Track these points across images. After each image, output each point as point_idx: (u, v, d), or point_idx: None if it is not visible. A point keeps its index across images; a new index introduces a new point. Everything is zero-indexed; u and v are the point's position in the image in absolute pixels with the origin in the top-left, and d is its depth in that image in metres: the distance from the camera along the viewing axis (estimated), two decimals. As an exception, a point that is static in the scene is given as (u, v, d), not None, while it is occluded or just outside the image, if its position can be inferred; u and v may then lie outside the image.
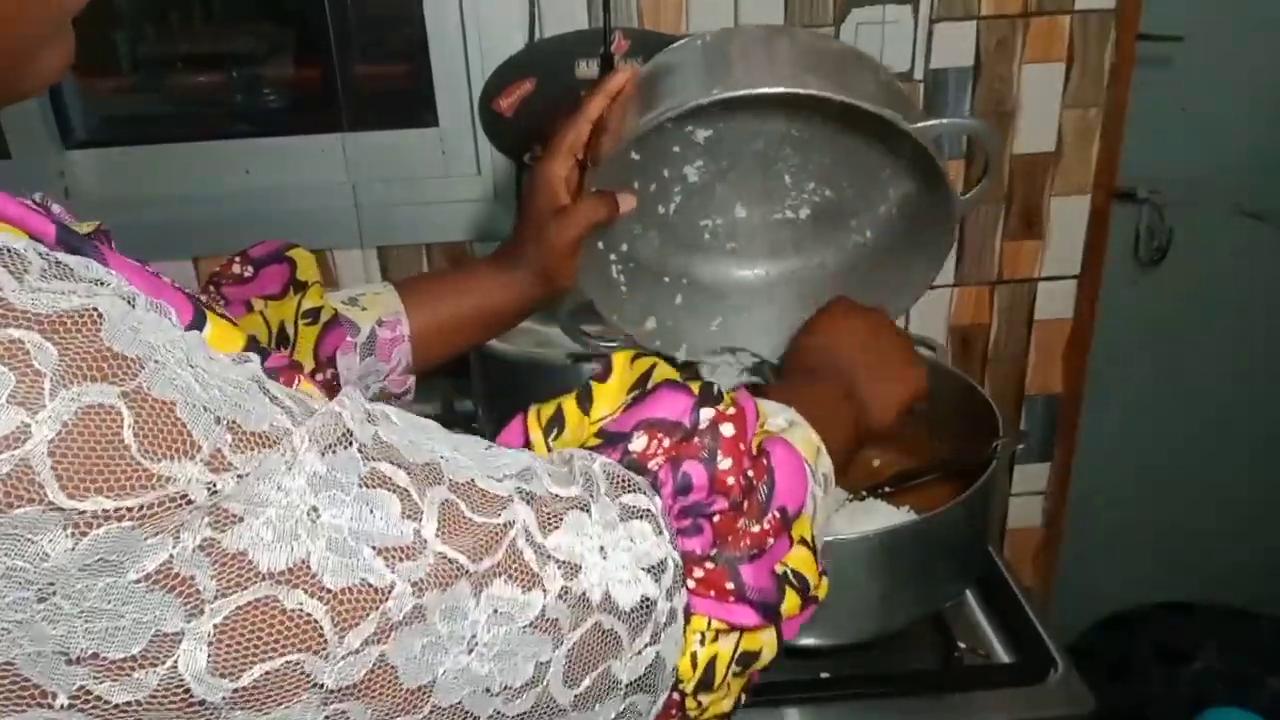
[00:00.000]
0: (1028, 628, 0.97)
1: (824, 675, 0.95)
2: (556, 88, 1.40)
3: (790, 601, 0.52)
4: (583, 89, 1.41)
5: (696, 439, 0.50)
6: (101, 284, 0.35)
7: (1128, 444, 1.80)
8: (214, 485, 0.34)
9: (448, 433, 0.46)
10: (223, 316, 0.46)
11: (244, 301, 0.77)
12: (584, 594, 0.43)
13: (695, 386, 0.53)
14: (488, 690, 0.41)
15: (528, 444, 0.54)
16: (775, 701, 0.91)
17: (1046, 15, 1.39)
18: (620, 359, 0.56)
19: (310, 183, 1.48)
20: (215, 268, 0.80)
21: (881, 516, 0.95)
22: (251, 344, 0.43)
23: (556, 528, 0.43)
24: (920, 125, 0.71)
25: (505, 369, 1.16)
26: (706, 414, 0.51)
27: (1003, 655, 0.97)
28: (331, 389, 0.74)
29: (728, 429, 0.51)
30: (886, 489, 1.00)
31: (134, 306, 0.35)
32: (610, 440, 0.51)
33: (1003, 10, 1.38)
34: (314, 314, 0.78)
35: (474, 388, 1.26)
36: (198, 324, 0.41)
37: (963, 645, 0.94)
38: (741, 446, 0.51)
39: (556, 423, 0.54)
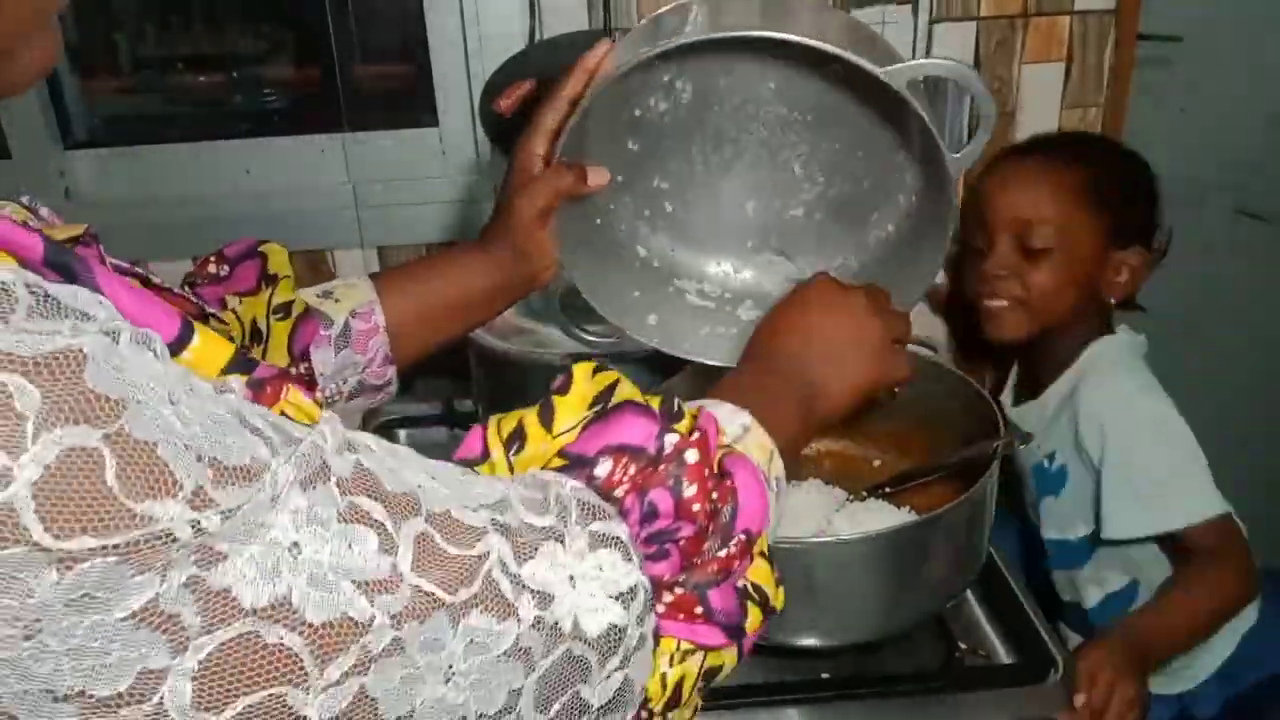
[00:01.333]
0: (1028, 628, 0.97)
1: (824, 675, 0.95)
2: (557, 88, 1.41)
3: (753, 617, 0.53)
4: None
5: (662, 466, 0.50)
6: (87, 318, 0.35)
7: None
8: (198, 523, 0.35)
9: (424, 460, 0.46)
10: (211, 314, 0.46)
11: (220, 300, 0.77)
12: (556, 623, 0.44)
13: (655, 403, 0.53)
14: (463, 718, 0.42)
15: (486, 455, 0.54)
16: (775, 702, 0.91)
17: (1046, 15, 1.39)
18: (580, 371, 0.56)
19: (310, 183, 1.48)
20: (179, 263, 0.80)
21: (882, 517, 0.95)
22: (239, 356, 0.43)
23: (531, 558, 0.44)
24: (892, 69, 0.68)
25: (505, 369, 1.16)
26: (671, 440, 0.51)
27: (1003, 655, 0.97)
28: (307, 385, 0.74)
29: (692, 455, 0.51)
30: (887, 489, 1.00)
31: (118, 342, 0.35)
32: (575, 463, 0.51)
33: (1002, 10, 1.39)
34: (285, 309, 0.78)
35: (474, 388, 1.26)
36: (184, 338, 0.41)
37: (963, 645, 0.94)
38: (706, 472, 0.51)
39: (517, 437, 0.54)
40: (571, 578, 0.45)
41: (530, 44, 1.38)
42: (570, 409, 0.54)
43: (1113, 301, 1.21)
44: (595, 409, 0.54)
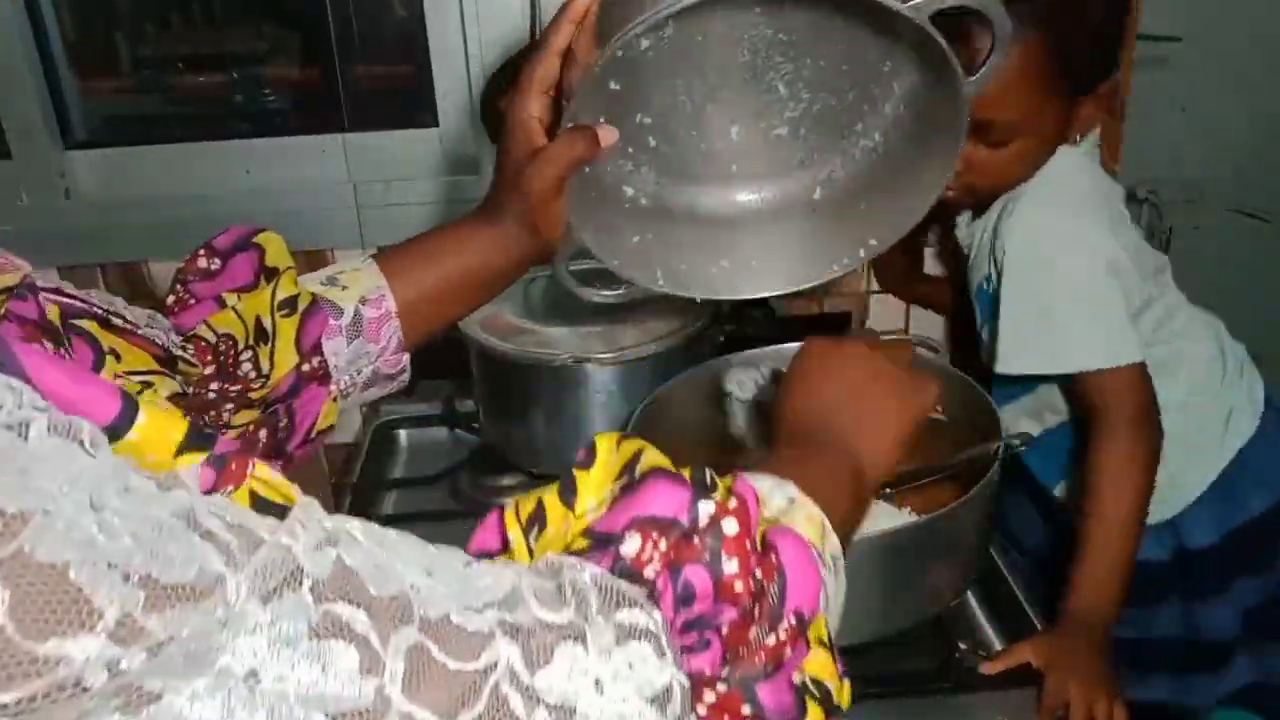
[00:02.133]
0: (1028, 628, 0.97)
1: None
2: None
3: (813, 715, 0.46)
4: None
5: (697, 539, 0.44)
6: None
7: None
8: (117, 663, 0.29)
9: (423, 546, 0.40)
10: (180, 356, 0.39)
11: (215, 297, 0.71)
12: None
13: (688, 474, 0.47)
14: None
15: (505, 545, 0.48)
16: (775, 701, 0.91)
17: (1046, 16, 1.39)
18: (604, 442, 0.50)
19: (311, 183, 1.48)
20: (180, 263, 0.73)
21: (884, 518, 0.95)
22: (194, 431, 0.36)
23: (547, 663, 0.38)
24: (913, 3, 0.64)
25: (505, 369, 1.16)
26: (706, 508, 0.45)
27: (1002, 655, 0.97)
28: (321, 378, 0.71)
29: (730, 525, 0.45)
30: (888, 490, 1.00)
31: (27, 437, 0.30)
32: (600, 542, 0.44)
33: (1002, 11, 1.38)
34: (291, 303, 0.71)
35: (475, 388, 1.26)
36: (126, 419, 0.35)
37: (963, 645, 0.94)
38: (747, 544, 0.45)
39: (537, 520, 0.47)
40: (598, 681, 0.39)
41: (530, 44, 1.38)
42: (594, 484, 0.48)
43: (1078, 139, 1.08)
44: (622, 481, 0.47)
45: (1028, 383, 1.13)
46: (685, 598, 0.43)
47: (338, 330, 0.73)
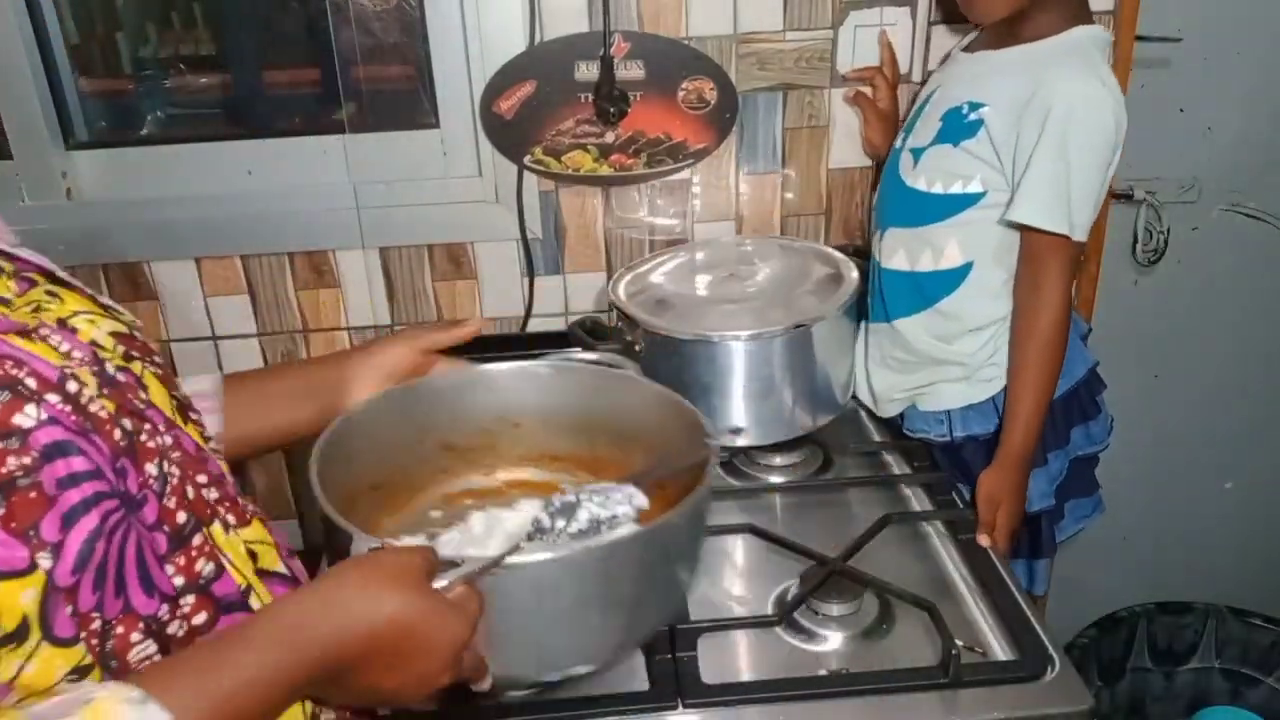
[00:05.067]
0: (1025, 626, 0.98)
1: (822, 673, 0.95)
2: (556, 90, 1.41)
3: None
4: (582, 91, 1.43)
5: None
6: None
7: (1125, 444, 1.80)
8: None
9: None
10: None
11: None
12: None
13: None
14: None
15: None
16: (773, 699, 0.91)
17: (1045, 16, 1.39)
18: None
19: (311, 184, 1.48)
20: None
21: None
22: None
23: None
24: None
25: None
26: None
27: (1000, 653, 0.97)
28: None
29: None
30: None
31: None
32: None
33: (1001, 11, 1.39)
34: None
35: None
36: None
37: (960, 643, 0.94)
38: None
39: None
40: None
41: (530, 44, 1.39)
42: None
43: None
44: None
45: (949, 214, 1.21)
46: None
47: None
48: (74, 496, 0.53)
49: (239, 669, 0.56)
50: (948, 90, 1.24)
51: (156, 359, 0.69)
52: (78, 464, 0.53)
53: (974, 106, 1.18)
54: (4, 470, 0.51)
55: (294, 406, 0.91)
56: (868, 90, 1.43)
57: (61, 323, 0.61)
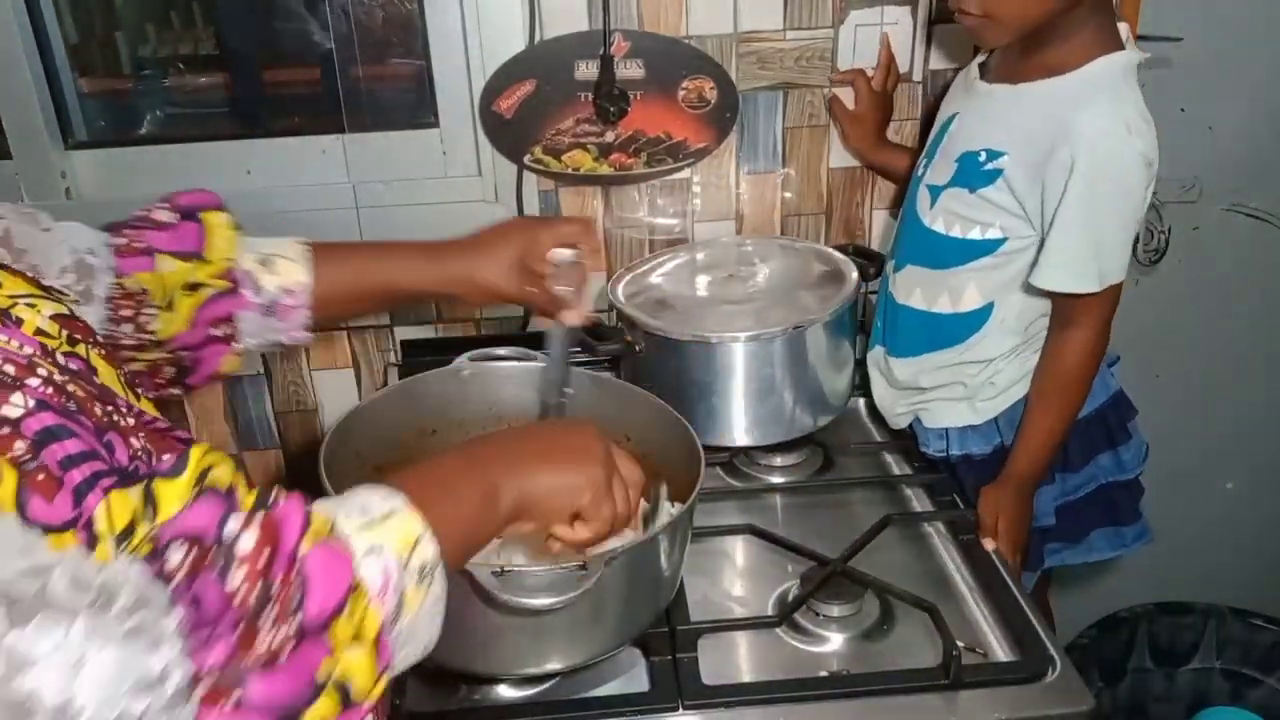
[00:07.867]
0: (1026, 627, 0.98)
1: (823, 674, 0.95)
2: (556, 89, 1.41)
3: (321, 709, 0.51)
4: (581, 91, 1.42)
5: (212, 552, 0.50)
6: None
7: (1126, 444, 1.80)
8: None
9: None
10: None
11: (151, 254, 0.85)
12: (29, 695, 0.41)
13: (243, 494, 0.53)
14: None
15: (74, 522, 0.52)
16: (774, 700, 0.91)
17: (1045, 16, 1.39)
18: (195, 453, 0.55)
19: (311, 183, 1.48)
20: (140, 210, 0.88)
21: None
22: None
23: (23, 626, 0.42)
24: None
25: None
26: (230, 526, 0.51)
27: (1001, 654, 0.97)
28: (226, 339, 0.88)
29: (247, 541, 0.51)
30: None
31: None
32: (154, 550, 0.50)
33: (1002, 11, 1.38)
34: (195, 286, 0.86)
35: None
36: None
37: (961, 644, 0.94)
38: (263, 558, 0.51)
39: (128, 533, 0.52)
40: (82, 660, 0.43)
41: (530, 44, 1.38)
42: (176, 492, 0.54)
43: None
44: (194, 492, 0.54)
45: (968, 260, 1.18)
46: (196, 602, 0.49)
47: (253, 306, 0.89)
48: (76, 477, 0.53)
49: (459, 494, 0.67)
50: (965, 124, 1.18)
51: (98, 336, 0.69)
52: (72, 446, 0.53)
53: (992, 155, 1.13)
54: (12, 454, 0.51)
55: (415, 268, 0.97)
56: (847, 94, 1.43)
57: (4, 313, 0.61)
